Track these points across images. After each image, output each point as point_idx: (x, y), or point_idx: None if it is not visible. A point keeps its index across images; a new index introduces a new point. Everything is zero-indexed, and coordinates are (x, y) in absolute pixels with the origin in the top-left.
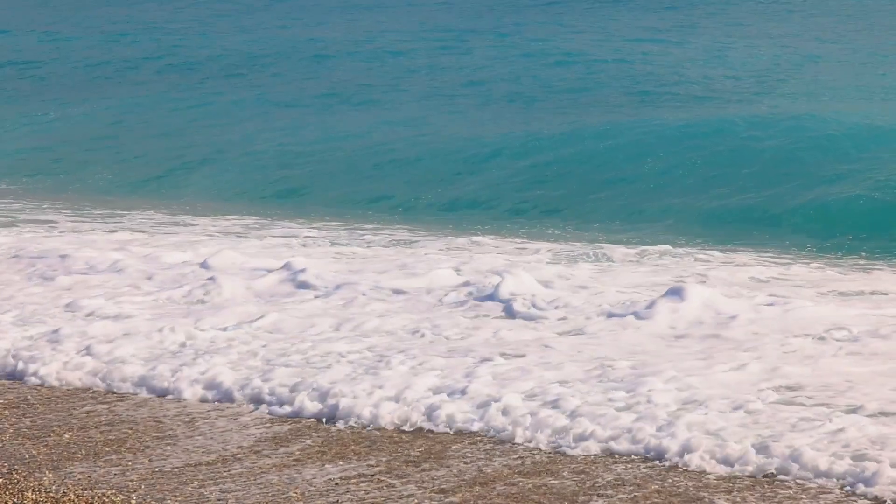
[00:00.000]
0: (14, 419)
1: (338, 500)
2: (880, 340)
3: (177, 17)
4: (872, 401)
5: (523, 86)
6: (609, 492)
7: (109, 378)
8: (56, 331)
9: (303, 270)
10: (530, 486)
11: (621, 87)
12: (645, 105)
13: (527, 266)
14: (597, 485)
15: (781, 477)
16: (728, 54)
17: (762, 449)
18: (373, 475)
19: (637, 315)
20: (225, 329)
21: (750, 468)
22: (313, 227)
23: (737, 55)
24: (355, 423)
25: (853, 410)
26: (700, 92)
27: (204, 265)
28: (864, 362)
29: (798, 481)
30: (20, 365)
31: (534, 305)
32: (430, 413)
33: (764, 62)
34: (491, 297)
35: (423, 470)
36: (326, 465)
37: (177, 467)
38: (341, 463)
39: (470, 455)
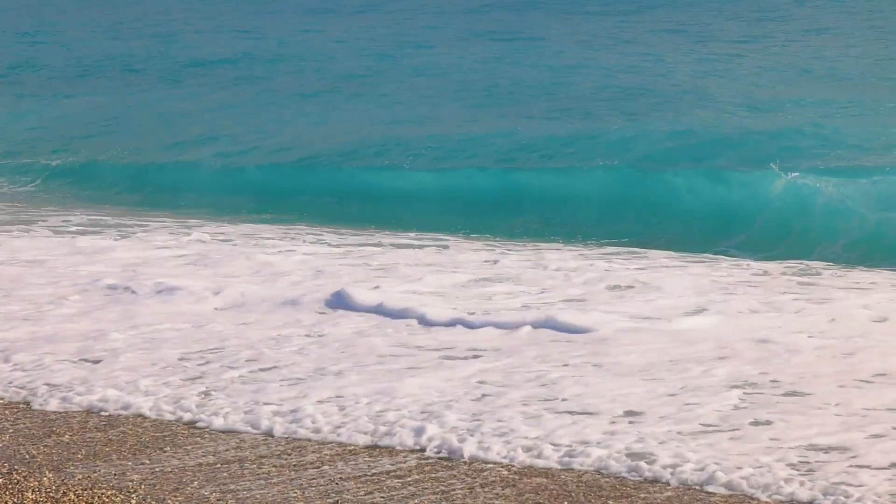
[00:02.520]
0: (14, 419)
1: (338, 501)
2: None
3: (178, 17)
4: None
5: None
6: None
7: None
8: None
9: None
10: (532, 487)
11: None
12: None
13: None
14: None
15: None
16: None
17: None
18: (373, 476)
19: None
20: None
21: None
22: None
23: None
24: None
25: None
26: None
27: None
28: None
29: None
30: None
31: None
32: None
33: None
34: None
35: (424, 471)
36: (325, 466)
37: (177, 468)
38: (341, 464)
39: (468, 459)
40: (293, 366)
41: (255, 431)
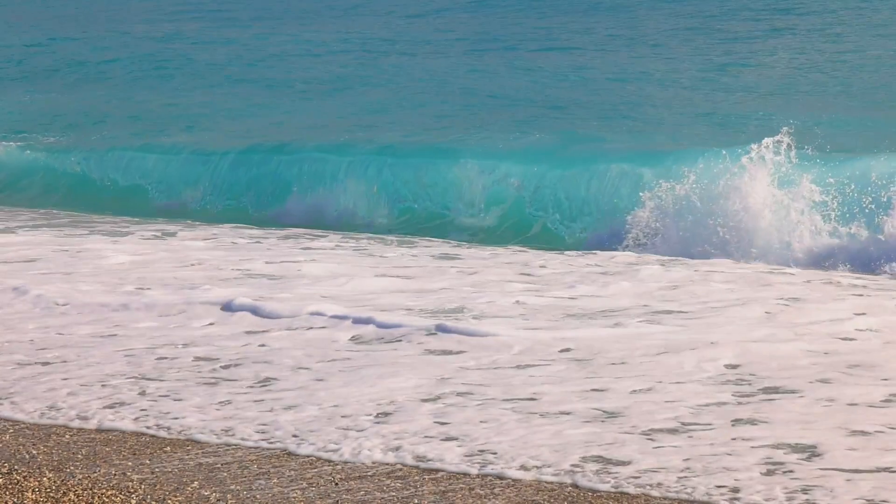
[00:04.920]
0: (14, 419)
1: (338, 501)
2: None
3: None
4: None
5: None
6: None
7: None
8: None
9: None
10: (532, 489)
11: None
12: None
13: None
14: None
15: None
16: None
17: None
18: (373, 477)
19: None
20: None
21: None
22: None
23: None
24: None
25: None
26: None
27: None
28: None
29: None
30: None
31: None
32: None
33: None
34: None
35: (424, 473)
36: (326, 467)
37: (177, 468)
38: (341, 465)
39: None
40: (269, 367)
41: (246, 438)
